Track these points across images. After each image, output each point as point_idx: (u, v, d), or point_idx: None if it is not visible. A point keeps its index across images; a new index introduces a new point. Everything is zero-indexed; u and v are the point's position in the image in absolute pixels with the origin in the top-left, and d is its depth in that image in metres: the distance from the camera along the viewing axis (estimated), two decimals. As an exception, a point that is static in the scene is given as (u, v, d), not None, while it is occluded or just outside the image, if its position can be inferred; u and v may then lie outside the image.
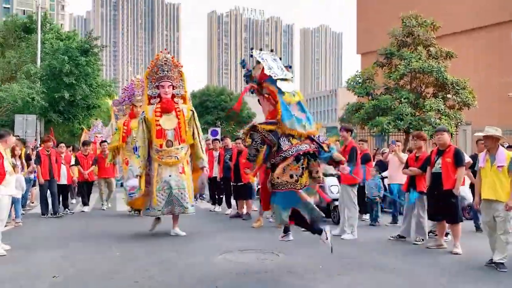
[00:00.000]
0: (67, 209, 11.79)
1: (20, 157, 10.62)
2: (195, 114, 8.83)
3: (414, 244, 7.92)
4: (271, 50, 6.35)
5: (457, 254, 7.13)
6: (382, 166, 11.02)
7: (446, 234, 7.92)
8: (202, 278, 5.79)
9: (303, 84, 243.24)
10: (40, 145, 21.78)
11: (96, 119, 24.81)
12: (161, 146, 8.31)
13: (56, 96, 25.92)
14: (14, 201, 8.83)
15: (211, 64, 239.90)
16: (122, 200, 10.25)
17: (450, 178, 7.29)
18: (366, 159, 10.25)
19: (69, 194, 12.85)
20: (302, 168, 5.65)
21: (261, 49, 6.25)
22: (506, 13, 30.83)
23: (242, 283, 5.61)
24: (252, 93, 6.21)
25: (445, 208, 7.34)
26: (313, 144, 5.76)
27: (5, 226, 8.24)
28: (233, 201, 11.74)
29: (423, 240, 7.97)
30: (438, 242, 7.67)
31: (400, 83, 21.32)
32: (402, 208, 9.87)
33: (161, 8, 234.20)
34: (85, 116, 28.78)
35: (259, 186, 10.53)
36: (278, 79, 5.82)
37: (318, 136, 5.98)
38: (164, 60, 8.61)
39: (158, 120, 8.36)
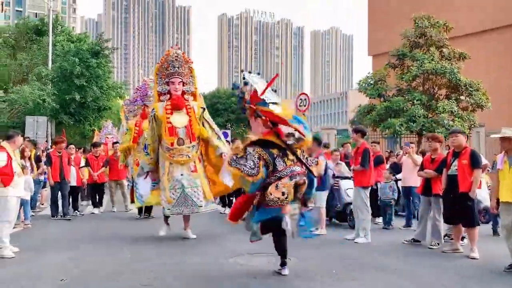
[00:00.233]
0: (76, 211, 11.72)
1: (29, 158, 10.57)
2: (206, 111, 8.68)
3: (430, 248, 7.74)
4: (258, 73, 6.43)
5: (474, 258, 6.95)
6: (396, 168, 10.83)
7: (462, 238, 7.74)
8: (211, 281, 5.70)
9: (313, 87, 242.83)
10: (51, 146, 21.86)
11: (106, 120, 24.81)
12: (172, 144, 8.10)
13: (67, 98, 26.00)
14: (23, 203, 8.75)
15: (221, 67, 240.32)
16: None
17: (466, 181, 7.11)
18: (379, 161, 10.08)
19: (79, 196, 12.77)
20: (294, 187, 5.71)
21: (250, 72, 6.32)
22: (518, 15, 30.47)
23: (251, 287, 5.49)
24: (243, 113, 6.30)
25: (461, 211, 7.16)
26: (303, 167, 5.82)
27: (14, 227, 8.19)
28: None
29: (438, 244, 7.79)
30: (454, 246, 7.48)
31: (413, 84, 21.13)
32: (416, 211, 9.69)
33: (172, 11, 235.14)
34: (96, 118, 28.84)
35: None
36: (270, 102, 5.95)
37: (307, 158, 6.01)
38: (175, 56, 8.37)
39: (169, 118, 8.15)
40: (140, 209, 10.88)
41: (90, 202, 13.21)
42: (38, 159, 11.67)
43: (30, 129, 21.53)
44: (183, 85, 8.41)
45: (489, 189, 8.80)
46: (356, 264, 6.60)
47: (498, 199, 6.47)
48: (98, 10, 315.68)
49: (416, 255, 7.31)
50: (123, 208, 12.37)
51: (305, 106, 17.07)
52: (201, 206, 8.08)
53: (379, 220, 10.21)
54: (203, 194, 8.11)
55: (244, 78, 6.14)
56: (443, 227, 7.97)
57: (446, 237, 8.15)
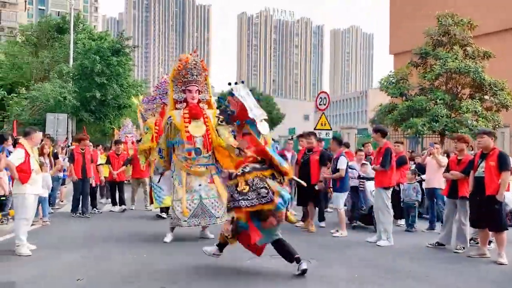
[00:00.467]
0: (95, 209, 11.69)
1: (48, 155, 10.58)
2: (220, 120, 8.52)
3: (455, 252, 7.50)
4: (242, 82, 6.54)
5: (502, 264, 6.70)
6: (420, 169, 10.55)
7: (489, 243, 7.47)
8: (229, 283, 5.58)
9: (332, 86, 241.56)
10: (71, 143, 22.00)
11: (125, 118, 24.87)
12: (189, 154, 7.93)
13: (88, 96, 26.20)
14: (41, 200, 8.74)
15: (241, 65, 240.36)
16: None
17: (493, 183, 6.86)
18: (402, 162, 9.80)
19: (97, 193, 12.73)
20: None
21: (236, 83, 6.41)
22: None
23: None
24: (227, 121, 6.54)
25: (488, 214, 6.92)
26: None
27: (33, 225, 8.17)
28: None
29: (464, 248, 7.53)
30: (480, 251, 7.23)
31: (435, 83, 20.79)
32: (440, 213, 9.42)
33: (192, 10, 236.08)
34: (116, 115, 28.99)
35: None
36: (258, 121, 6.10)
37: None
38: (194, 64, 8.14)
39: (187, 127, 7.98)
40: (161, 209, 10.76)
41: (108, 200, 13.19)
42: (55, 156, 11.66)
43: (50, 126, 21.71)
44: (199, 93, 8.25)
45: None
46: (379, 268, 6.40)
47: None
48: (120, 9, 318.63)
49: (441, 259, 7.07)
50: (143, 206, 12.30)
51: (324, 105, 16.88)
52: (218, 218, 7.90)
53: (402, 222, 9.95)
54: (222, 204, 7.85)
55: (231, 92, 6.24)
56: (469, 231, 7.71)
57: (472, 241, 7.88)
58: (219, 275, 5.94)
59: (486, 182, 6.90)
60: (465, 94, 20.81)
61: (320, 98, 17.14)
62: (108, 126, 29.39)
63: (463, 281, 5.93)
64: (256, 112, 6.13)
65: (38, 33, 30.60)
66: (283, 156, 11.14)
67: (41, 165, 7.93)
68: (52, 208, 11.19)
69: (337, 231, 8.92)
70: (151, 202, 11.35)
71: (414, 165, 11.27)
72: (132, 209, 12.25)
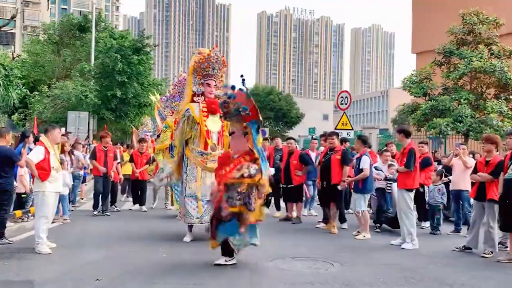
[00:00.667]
0: (113, 206, 11.64)
1: (69, 153, 10.57)
2: None
3: (482, 257, 7.24)
4: (241, 76, 6.37)
5: (532, 270, 6.44)
6: (446, 170, 10.26)
7: (518, 247, 7.20)
8: (253, 283, 5.51)
9: (353, 85, 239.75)
10: (91, 141, 22.12)
11: (145, 116, 24.89)
12: (206, 148, 7.82)
13: (109, 94, 26.38)
14: (61, 198, 8.71)
15: (260, 64, 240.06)
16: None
17: (524, 186, 6.60)
18: (426, 163, 9.54)
19: (118, 191, 12.69)
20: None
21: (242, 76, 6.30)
22: None
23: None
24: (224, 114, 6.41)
25: (518, 218, 6.65)
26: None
27: (53, 222, 8.16)
28: (282, 204, 11.27)
29: (492, 252, 7.27)
30: (510, 256, 6.96)
31: (460, 83, 20.35)
32: (466, 216, 9.15)
33: (212, 9, 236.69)
34: (136, 114, 29.10)
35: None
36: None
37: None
38: (216, 58, 8.07)
39: (205, 121, 7.89)
40: None
41: (128, 198, 13.18)
42: (70, 152, 11.64)
43: (72, 124, 21.86)
44: (216, 89, 8.15)
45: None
46: (404, 272, 6.20)
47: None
48: (141, 9, 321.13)
49: (468, 264, 6.85)
50: (163, 205, 12.24)
51: (346, 104, 16.68)
52: None
53: (426, 224, 9.69)
54: None
55: (243, 82, 6.14)
56: (498, 235, 7.45)
57: (500, 245, 7.62)
58: (243, 277, 5.83)
59: (517, 184, 6.66)
60: (489, 94, 20.33)
61: (341, 97, 16.93)
62: (128, 125, 29.49)
63: (491, 286, 5.72)
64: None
65: (60, 31, 30.83)
66: (307, 156, 11.03)
67: (61, 162, 7.89)
68: (72, 206, 11.20)
69: (359, 232, 8.72)
70: (172, 204, 11.31)
71: (441, 166, 11.00)
72: (152, 207, 12.20)
